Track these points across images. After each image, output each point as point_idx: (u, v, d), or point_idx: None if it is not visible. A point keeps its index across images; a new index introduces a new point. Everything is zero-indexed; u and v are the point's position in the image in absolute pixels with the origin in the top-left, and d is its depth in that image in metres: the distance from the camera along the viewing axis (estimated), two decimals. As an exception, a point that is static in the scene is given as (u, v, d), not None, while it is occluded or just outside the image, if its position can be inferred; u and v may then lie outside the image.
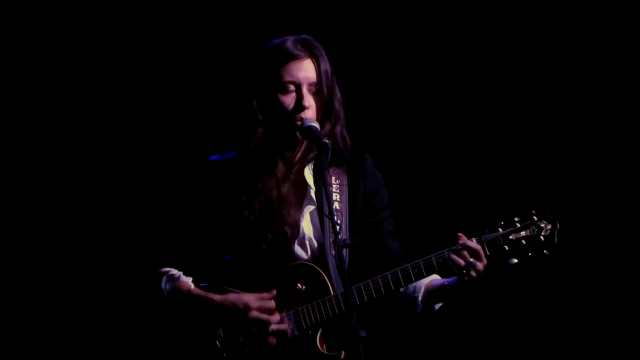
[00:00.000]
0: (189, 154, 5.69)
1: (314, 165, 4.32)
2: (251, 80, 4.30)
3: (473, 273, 4.01)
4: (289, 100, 4.21)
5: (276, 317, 4.11)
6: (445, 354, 6.00)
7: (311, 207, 4.27)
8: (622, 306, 5.88)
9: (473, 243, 4.02)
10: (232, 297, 4.14)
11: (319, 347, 4.12)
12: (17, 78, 5.95)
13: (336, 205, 4.28)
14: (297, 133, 4.18)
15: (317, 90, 4.24)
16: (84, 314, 5.94)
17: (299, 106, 4.21)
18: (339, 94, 4.32)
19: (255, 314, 4.10)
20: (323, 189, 4.01)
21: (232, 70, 5.83)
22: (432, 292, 4.23)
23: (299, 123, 4.19)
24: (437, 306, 4.28)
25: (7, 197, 5.97)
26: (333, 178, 4.32)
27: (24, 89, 5.97)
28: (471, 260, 4.00)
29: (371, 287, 4.11)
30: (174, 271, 4.24)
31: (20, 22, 5.92)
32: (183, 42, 6.03)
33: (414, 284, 4.21)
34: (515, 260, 4.02)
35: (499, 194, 5.91)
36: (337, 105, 4.29)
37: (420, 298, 4.25)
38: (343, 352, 4.10)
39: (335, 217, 4.22)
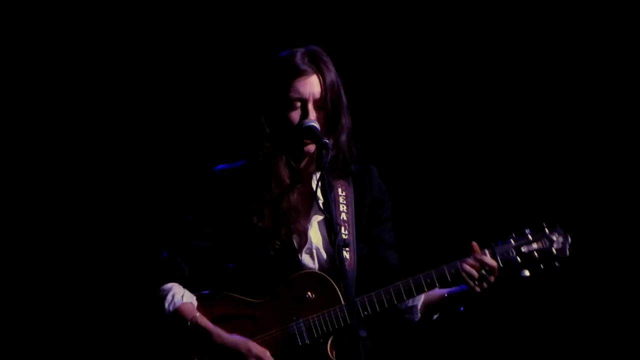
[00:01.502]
0: (198, 162, 5.68)
1: (320, 175, 4.28)
2: (259, 94, 4.34)
3: (485, 285, 4.05)
4: (295, 115, 4.24)
5: None
6: (445, 354, 6.04)
7: (319, 217, 4.30)
8: (623, 311, 5.93)
9: (488, 258, 4.06)
10: (234, 338, 4.15)
11: (330, 354, 4.13)
12: (32, 83, 5.96)
13: (343, 216, 4.31)
14: (304, 148, 4.21)
15: (323, 104, 4.27)
16: (87, 318, 5.93)
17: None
18: (345, 106, 4.34)
19: None
20: (323, 189, 4.03)
21: (242, 79, 5.82)
22: (432, 302, 4.26)
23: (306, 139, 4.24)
24: (436, 316, 4.31)
25: (10, 200, 5.95)
26: (340, 189, 4.35)
27: (37, 94, 5.96)
28: (484, 272, 4.04)
29: (383, 296, 4.12)
30: (177, 289, 4.24)
31: (22, 23, 5.92)
32: (193, 51, 6.03)
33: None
34: (527, 273, 4.04)
35: (507, 203, 5.93)
36: (343, 117, 4.32)
37: (419, 307, 4.28)
38: None
39: (343, 228, 4.26)
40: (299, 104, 4.25)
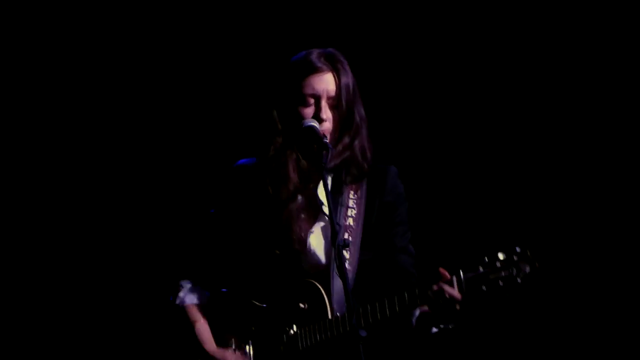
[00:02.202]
0: (220, 157, 5.66)
1: (332, 177, 4.37)
2: (273, 90, 4.38)
3: (448, 312, 4.08)
4: (308, 112, 4.28)
5: None
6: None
7: (322, 223, 4.34)
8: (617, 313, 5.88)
9: (449, 288, 4.06)
10: (221, 354, 4.33)
11: None
12: (41, 86, 6.02)
13: (350, 221, 4.33)
14: (315, 146, 4.18)
15: (337, 103, 4.29)
16: (95, 315, 6.11)
17: (317, 118, 4.27)
18: (361, 108, 4.35)
19: None
20: (324, 189, 4.03)
21: (256, 76, 5.85)
22: (425, 315, 4.26)
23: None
24: (435, 330, 4.30)
25: (24, 201, 6.07)
26: (351, 192, 4.37)
27: (50, 97, 6.05)
28: (447, 300, 4.06)
29: (377, 307, 4.15)
30: (190, 286, 4.43)
31: (23, 23, 5.96)
32: (209, 48, 6.06)
33: None
34: (493, 298, 4.12)
35: (492, 222, 5.87)
36: (358, 119, 4.33)
37: (416, 314, 4.31)
38: None
39: (347, 235, 4.29)
40: (312, 100, 4.28)
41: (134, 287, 6.07)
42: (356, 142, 4.32)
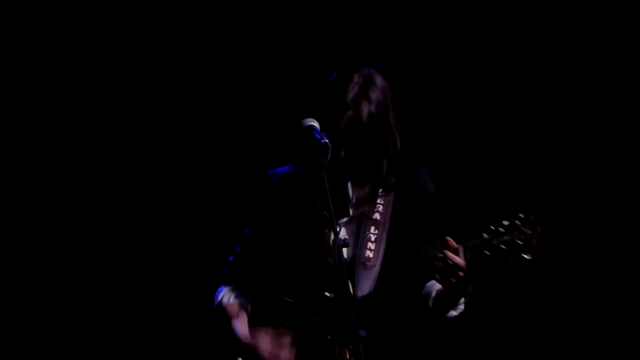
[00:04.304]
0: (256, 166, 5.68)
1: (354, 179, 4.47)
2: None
3: (453, 280, 4.13)
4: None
5: None
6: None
7: (345, 219, 4.44)
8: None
9: (453, 256, 4.12)
10: (254, 339, 4.44)
11: (342, 354, 4.30)
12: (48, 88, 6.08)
13: (377, 215, 4.42)
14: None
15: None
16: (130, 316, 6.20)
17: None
18: (389, 130, 4.39)
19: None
20: (324, 189, 4.10)
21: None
22: (440, 294, 4.33)
23: None
24: (452, 314, 4.36)
25: (49, 204, 6.13)
26: (380, 207, 4.45)
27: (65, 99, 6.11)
28: (450, 268, 4.13)
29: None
30: (230, 291, 4.59)
31: (22, 23, 6.00)
32: (238, 58, 6.17)
33: (430, 283, 4.40)
34: (499, 265, 4.15)
35: (500, 192, 5.88)
36: (386, 140, 4.38)
37: (432, 296, 4.37)
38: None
39: (371, 253, 4.38)
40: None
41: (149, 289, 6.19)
42: (380, 163, 4.41)
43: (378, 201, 4.46)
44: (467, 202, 6.01)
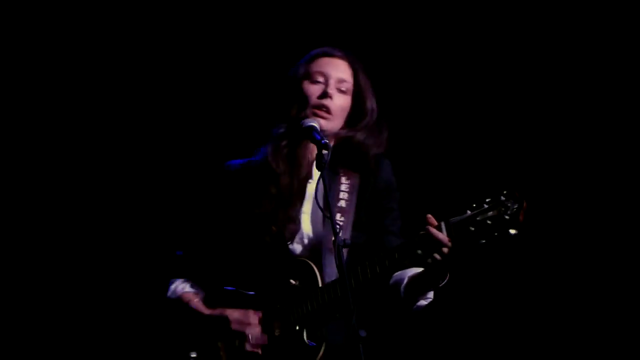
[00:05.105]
0: (209, 157, 5.68)
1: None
2: (286, 75, 4.46)
3: (437, 256, 4.01)
4: (315, 89, 4.34)
5: (255, 330, 4.26)
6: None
7: (309, 206, 4.37)
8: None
9: (435, 231, 4.00)
10: (219, 310, 4.33)
11: (305, 340, 4.20)
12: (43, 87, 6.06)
13: (342, 203, 4.36)
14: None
15: (345, 90, 4.36)
16: (94, 315, 6.12)
17: (324, 93, 4.33)
18: (371, 105, 4.40)
19: (235, 326, 4.27)
20: (324, 188, 4.06)
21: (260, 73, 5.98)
22: (414, 279, 4.23)
23: (321, 111, 4.32)
24: (423, 302, 4.28)
25: (16, 201, 6.10)
26: (344, 178, 4.40)
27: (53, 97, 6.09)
28: (434, 241, 4.00)
29: (359, 271, 4.13)
30: (183, 283, 4.47)
31: (23, 23, 6.00)
32: (204, 47, 6.16)
33: (399, 272, 4.26)
34: (483, 241, 4.02)
35: (483, 173, 5.86)
36: (368, 114, 4.39)
37: (403, 283, 4.26)
38: (324, 345, 4.16)
39: (339, 215, 4.33)
40: (321, 79, 4.36)
41: (127, 285, 6.09)
42: (360, 138, 4.37)
43: (342, 188, 4.37)
44: (446, 186, 5.96)
